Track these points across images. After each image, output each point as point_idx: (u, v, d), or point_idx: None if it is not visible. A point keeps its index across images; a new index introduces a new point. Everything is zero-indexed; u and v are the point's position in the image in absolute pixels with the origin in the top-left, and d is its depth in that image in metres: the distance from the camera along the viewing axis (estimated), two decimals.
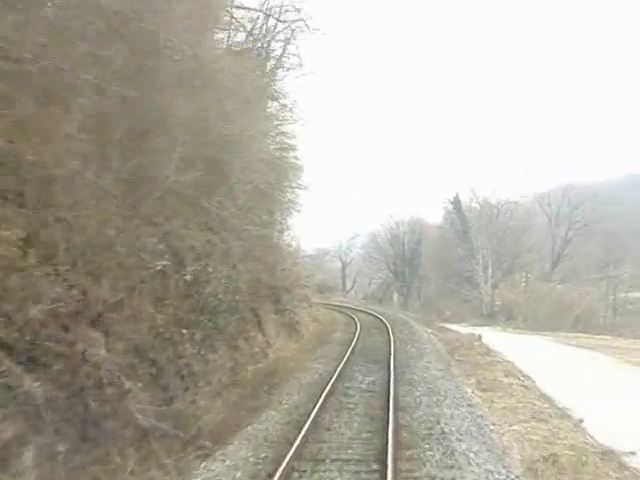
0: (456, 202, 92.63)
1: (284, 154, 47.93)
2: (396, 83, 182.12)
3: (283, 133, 43.40)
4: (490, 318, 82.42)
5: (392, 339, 34.56)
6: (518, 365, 29.99)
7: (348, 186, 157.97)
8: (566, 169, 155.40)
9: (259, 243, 27.77)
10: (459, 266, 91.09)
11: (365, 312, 58.76)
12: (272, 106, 40.29)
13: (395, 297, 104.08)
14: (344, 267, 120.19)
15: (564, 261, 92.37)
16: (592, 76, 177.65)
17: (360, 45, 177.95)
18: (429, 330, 44.19)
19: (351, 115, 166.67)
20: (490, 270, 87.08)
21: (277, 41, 40.60)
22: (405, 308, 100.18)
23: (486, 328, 76.18)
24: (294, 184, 63.35)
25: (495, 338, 47.10)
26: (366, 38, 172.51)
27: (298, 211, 51.89)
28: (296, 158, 45.07)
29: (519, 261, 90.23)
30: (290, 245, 55.54)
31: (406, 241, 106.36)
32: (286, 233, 64.29)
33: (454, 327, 75.70)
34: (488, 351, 35.20)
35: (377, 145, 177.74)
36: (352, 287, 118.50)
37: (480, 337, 44.45)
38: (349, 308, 64.66)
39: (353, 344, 32.82)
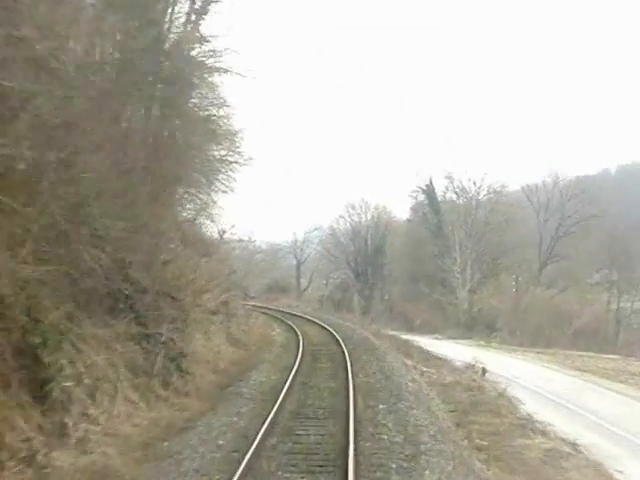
0: (429, 191, 76.83)
1: (212, 112, 38.74)
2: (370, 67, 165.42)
3: (211, 85, 34.94)
4: (468, 329, 67.06)
5: (352, 393, 18.37)
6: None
7: (306, 174, 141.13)
8: (556, 159, 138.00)
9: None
10: (431, 266, 75.43)
11: (316, 323, 42.44)
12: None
13: (356, 300, 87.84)
14: (299, 265, 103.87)
15: (554, 262, 76.88)
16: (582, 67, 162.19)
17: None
18: (408, 362, 27.84)
19: (311, 94, 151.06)
20: (469, 271, 71.34)
21: None
22: (367, 313, 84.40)
23: (465, 342, 60.90)
24: (224, 152, 47.98)
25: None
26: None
27: (231, 191, 42.05)
28: (227, 118, 37.60)
29: (502, 261, 74.37)
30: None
31: (369, 236, 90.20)
32: (206, 215, 49.15)
33: (428, 341, 60.31)
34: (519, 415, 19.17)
35: (340, 128, 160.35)
36: (307, 287, 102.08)
37: (484, 371, 28.91)
38: (297, 317, 48.27)
39: (277, 407, 16.52)
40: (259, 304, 61.39)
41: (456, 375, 26.39)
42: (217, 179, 49.93)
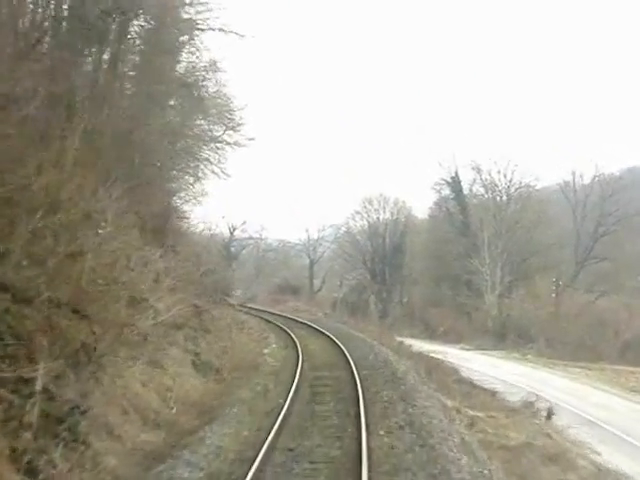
0: (455, 183, 68.50)
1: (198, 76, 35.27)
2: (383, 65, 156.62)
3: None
4: (498, 338, 58.61)
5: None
6: None
7: (320, 168, 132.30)
8: (595, 152, 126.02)
9: None
10: (455, 266, 67.10)
11: (324, 334, 34.26)
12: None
13: (372, 303, 79.58)
14: (312, 264, 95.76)
15: (591, 264, 68.25)
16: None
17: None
18: (447, 402, 19.38)
19: (325, 87, 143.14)
20: (499, 273, 62.92)
21: None
22: (384, 317, 76.20)
23: (497, 355, 52.64)
24: (220, 130, 40.50)
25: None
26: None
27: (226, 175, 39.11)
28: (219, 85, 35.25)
29: (534, 262, 65.80)
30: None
31: (387, 234, 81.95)
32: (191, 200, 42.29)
33: (455, 352, 52.15)
34: None
35: (356, 119, 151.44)
36: (320, 288, 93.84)
37: (549, 415, 20.82)
38: (302, 326, 40.16)
39: None
40: (262, 308, 53.58)
41: (517, 423, 18.21)
42: (209, 159, 42.48)
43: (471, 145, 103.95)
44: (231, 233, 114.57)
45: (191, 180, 40.47)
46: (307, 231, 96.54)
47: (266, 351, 25.96)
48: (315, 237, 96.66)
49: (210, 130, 40.41)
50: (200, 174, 40.98)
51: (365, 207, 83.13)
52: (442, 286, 70.79)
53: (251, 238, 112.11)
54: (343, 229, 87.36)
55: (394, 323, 74.61)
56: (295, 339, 30.65)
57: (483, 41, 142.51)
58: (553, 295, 57.50)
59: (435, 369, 26.48)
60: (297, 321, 42.07)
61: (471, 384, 26.91)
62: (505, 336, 58.47)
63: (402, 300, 79.98)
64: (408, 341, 57.66)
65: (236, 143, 42.90)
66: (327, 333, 33.68)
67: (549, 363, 48.56)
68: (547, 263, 65.23)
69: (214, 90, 40.08)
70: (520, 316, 59.38)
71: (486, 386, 27.85)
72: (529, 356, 51.94)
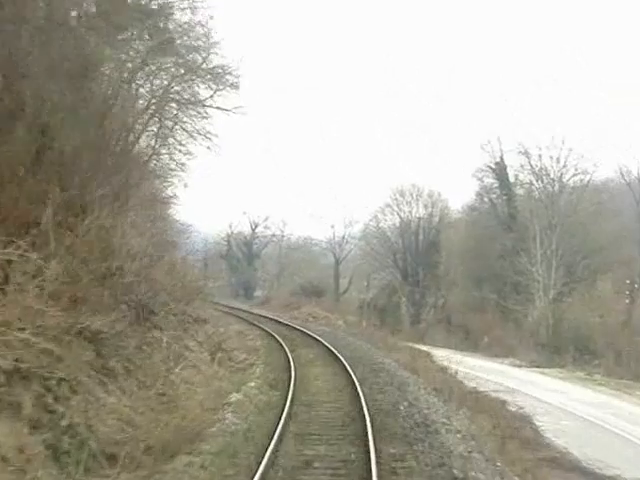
0: (500, 170, 57.83)
1: None
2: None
3: None
4: (553, 351, 47.92)
5: None
6: None
7: (346, 159, 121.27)
8: None
9: None
10: (500, 265, 56.51)
11: (338, 360, 23.70)
12: None
13: (403, 307, 69.26)
14: (337, 263, 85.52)
15: None
16: None
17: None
18: None
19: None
20: (553, 274, 52.23)
21: None
22: (417, 323, 65.98)
23: (556, 374, 42.26)
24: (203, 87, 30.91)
25: None
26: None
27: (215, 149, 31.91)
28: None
29: (593, 261, 54.96)
30: None
31: (421, 229, 71.62)
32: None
33: (505, 369, 42.05)
34: None
35: (383, 103, 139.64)
36: (347, 289, 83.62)
37: None
38: (313, 344, 29.83)
39: None
40: (270, 315, 43.78)
41: None
42: (187, 123, 33.37)
43: (516, 128, 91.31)
44: (253, 230, 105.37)
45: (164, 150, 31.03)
46: (333, 227, 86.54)
47: (235, 398, 15.97)
48: (341, 234, 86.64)
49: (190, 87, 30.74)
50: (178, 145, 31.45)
51: (396, 200, 72.96)
52: (484, 288, 60.30)
53: (274, 235, 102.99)
54: (372, 225, 77.03)
55: (428, 329, 64.51)
56: (293, 369, 20.66)
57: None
58: (627, 301, 46.58)
59: (506, 431, 16.21)
60: (308, 335, 32.03)
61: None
62: (561, 349, 47.87)
63: (437, 304, 69.55)
64: (447, 354, 47.68)
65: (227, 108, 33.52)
66: (341, 359, 23.34)
67: (623, 386, 37.98)
68: (609, 262, 54.34)
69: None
70: (580, 325, 48.61)
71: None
72: (597, 376, 41.39)
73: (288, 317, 43.78)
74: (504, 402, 23.20)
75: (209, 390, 16.02)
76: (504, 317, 54.98)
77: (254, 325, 35.77)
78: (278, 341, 28.65)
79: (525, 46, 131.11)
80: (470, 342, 54.92)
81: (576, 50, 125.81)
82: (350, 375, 19.93)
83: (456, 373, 26.56)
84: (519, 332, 52.38)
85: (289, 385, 18.02)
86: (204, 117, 34.44)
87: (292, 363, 22.10)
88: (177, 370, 15.52)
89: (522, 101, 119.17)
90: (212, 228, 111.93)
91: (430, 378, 22.01)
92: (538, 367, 44.33)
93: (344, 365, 21.98)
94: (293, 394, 16.65)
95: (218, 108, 33.99)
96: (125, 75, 25.51)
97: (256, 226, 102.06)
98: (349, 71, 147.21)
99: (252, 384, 18.02)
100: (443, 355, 44.57)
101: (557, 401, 29.14)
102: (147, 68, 31.41)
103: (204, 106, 33.47)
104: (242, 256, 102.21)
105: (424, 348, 51.13)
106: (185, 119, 35.73)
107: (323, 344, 28.02)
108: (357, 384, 18.03)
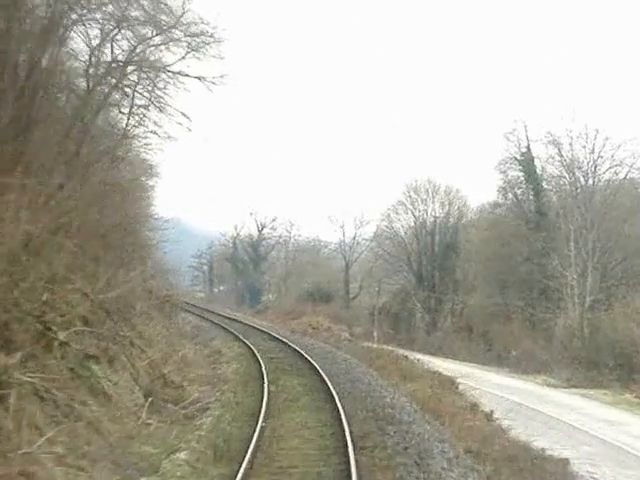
0: (527, 161, 50.93)
1: None
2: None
3: None
4: (591, 367, 41.07)
5: None
6: None
7: (355, 156, 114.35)
8: None
9: None
10: (527, 269, 49.73)
11: (335, 411, 16.78)
12: None
13: (418, 314, 62.47)
14: (348, 266, 78.70)
15: None
16: None
17: None
18: None
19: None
20: (589, 279, 45.33)
21: None
22: (433, 331, 59.25)
23: (599, 397, 35.45)
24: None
25: None
26: None
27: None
28: None
29: (630, 265, 48.00)
30: None
31: (437, 229, 64.92)
32: None
33: (539, 391, 35.59)
34: None
35: (396, 96, 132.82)
36: (357, 294, 76.76)
37: None
38: (299, 372, 22.85)
39: None
40: (263, 326, 37.21)
41: None
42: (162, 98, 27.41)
43: (544, 115, 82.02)
44: (259, 231, 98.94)
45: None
46: (342, 228, 79.67)
47: None
48: (352, 235, 79.86)
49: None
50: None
51: (410, 197, 66.23)
52: (507, 294, 53.43)
53: (280, 237, 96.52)
54: (384, 225, 70.16)
55: (445, 339, 57.73)
56: (263, 416, 14.00)
57: None
58: None
59: None
60: (300, 356, 24.98)
61: None
62: (600, 365, 40.92)
63: (455, 310, 62.70)
64: (470, 370, 41.07)
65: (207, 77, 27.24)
66: (336, 398, 16.41)
67: None
68: None
69: None
70: (621, 338, 41.62)
71: None
72: None
73: (285, 329, 37.32)
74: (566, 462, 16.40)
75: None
76: (532, 327, 48.16)
77: (239, 340, 29.25)
78: (259, 365, 22.01)
79: (559, 22, 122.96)
80: (494, 355, 48.19)
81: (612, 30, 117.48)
82: (344, 429, 13.23)
83: (492, 414, 19.86)
84: (550, 344, 45.48)
85: (248, 453, 11.38)
86: (182, 88, 28.10)
87: (265, 405, 15.47)
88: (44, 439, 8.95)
89: (550, 86, 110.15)
90: (217, 229, 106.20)
91: (460, 429, 15.31)
92: (576, 387, 37.50)
93: (338, 409, 15.25)
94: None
95: (197, 78, 27.61)
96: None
97: (263, 227, 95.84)
98: (359, 66, 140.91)
99: (184, 453, 11.37)
100: (467, 372, 37.94)
101: (627, 443, 22.32)
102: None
103: (175, 74, 27.00)
104: (248, 259, 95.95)
105: (443, 363, 44.42)
106: (160, 93, 29.40)
107: (316, 370, 21.26)
108: (352, 454, 11.33)
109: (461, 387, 24.59)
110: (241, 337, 29.90)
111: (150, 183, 52.22)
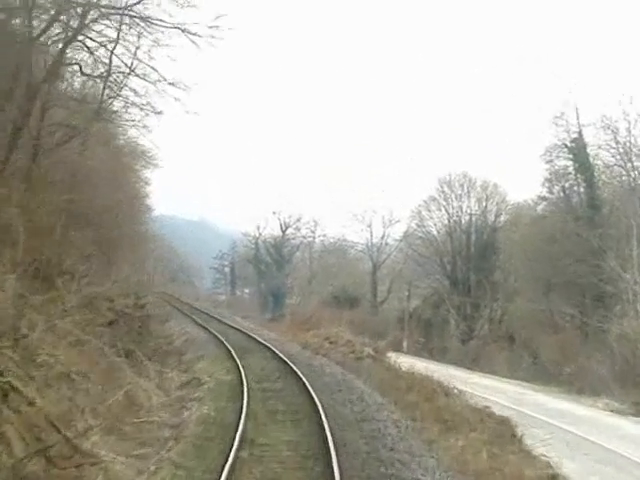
0: (577, 148, 44.22)
1: None
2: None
3: None
4: None
5: None
6: None
7: (387, 150, 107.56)
8: None
9: None
10: (577, 271, 42.96)
11: None
12: None
13: (452, 321, 55.85)
14: (375, 268, 72.23)
15: None
16: None
17: None
18: None
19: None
20: None
21: None
22: (468, 340, 52.77)
23: None
24: None
25: None
26: None
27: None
28: None
29: None
30: None
31: (473, 228, 58.34)
32: None
33: (605, 419, 28.93)
34: None
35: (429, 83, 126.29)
36: (385, 299, 70.29)
37: None
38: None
39: None
40: (271, 341, 30.97)
41: None
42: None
43: (596, 98, 73.96)
44: (283, 232, 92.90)
45: None
46: (369, 227, 73.13)
47: None
48: (380, 235, 73.27)
49: None
50: None
51: (443, 193, 59.63)
52: (554, 299, 46.71)
53: (304, 237, 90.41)
54: (415, 223, 63.53)
55: (482, 349, 51.16)
56: None
57: None
58: None
59: None
60: (304, 391, 18.30)
61: None
62: None
63: (493, 317, 56.03)
64: (516, 389, 34.71)
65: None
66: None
67: None
68: None
69: None
70: None
71: None
72: None
73: (296, 343, 30.92)
74: None
75: None
76: (584, 337, 41.46)
77: (231, 360, 22.67)
78: (241, 404, 15.65)
79: None
80: (540, 370, 41.52)
81: None
82: None
83: None
84: (608, 359, 38.60)
85: None
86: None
87: None
88: None
89: (604, 65, 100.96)
90: (239, 229, 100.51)
91: None
92: None
93: None
94: None
95: (177, 28, 21.54)
96: None
97: (287, 227, 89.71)
98: (385, 55, 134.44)
99: None
100: (515, 394, 31.59)
101: None
102: None
103: (144, 20, 20.92)
104: (271, 260, 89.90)
105: (482, 380, 37.96)
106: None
107: (318, 416, 14.73)
108: None
109: (520, 428, 18.13)
110: (236, 356, 23.62)
111: (145, 173, 46.45)
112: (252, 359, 23.90)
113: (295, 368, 21.06)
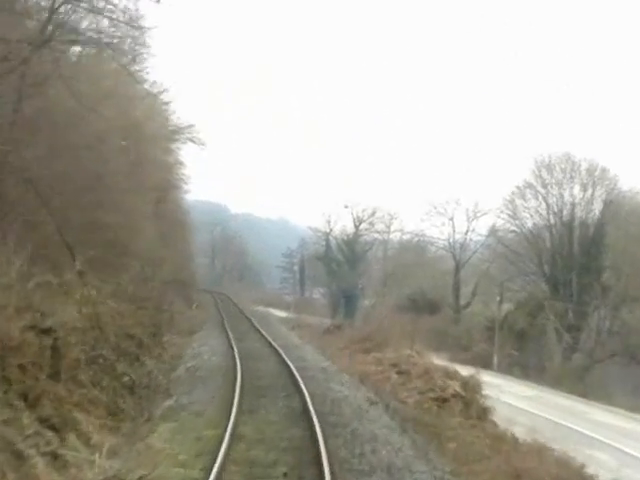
0: None
1: None
2: None
3: None
4: None
5: None
6: None
7: (472, 132, 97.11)
8: None
9: None
10: None
11: None
12: None
13: (552, 332, 45.55)
14: (458, 268, 62.43)
15: None
16: None
17: None
18: None
19: None
20: None
21: None
22: (571, 352, 42.82)
23: None
24: None
25: None
26: None
27: None
28: None
29: None
30: None
31: (577, 221, 48.04)
32: None
33: None
34: None
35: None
36: (469, 303, 60.41)
37: None
38: None
39: None
40: (309, 369, 21.64)
41: None
42: None
43: None
44: (356, 227, 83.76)
45: None
46: (452, 220, 63.22)
47: None
48: (464, 229, 63.19)
49: None
50: None
51: (540, 178, 49.33)
52: None
53: (378, 232, 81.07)
54: (505, 215, 53.31)
55: (592, 369, 41.06)
56: None
57: None
58: None
59: None
60: None
61: None
62: None
63: (603, 328, 45.51)
64: None
65: None
66: None
67: None
68: None
69: None
70: None
71: None
72: None
73: (350, 376, 21.53)
74: None
75: None
76: None
77: (244, 416, 14.34)
78: None
79: None
80: None
81: None
82: None
83: None
84: None
85: None
86: None
87: None
88: None
89: None
90: (309, 224, 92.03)
91: None
92: None
93: None
94: None
95: None
96: None
97: (360, 222, 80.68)
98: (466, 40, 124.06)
99: None
100: None
101: None
102: None
103: None
104: (343, 258, 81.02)
105: (616, 419, 27.97)
106: None
107: None
108: None
109: None
110: (234, 414, 14.24)
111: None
112: (264, 415, 14.62)
113: (331, 445, 12.09)
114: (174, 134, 47.77)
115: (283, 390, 17.60)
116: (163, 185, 41.76)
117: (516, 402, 26.20)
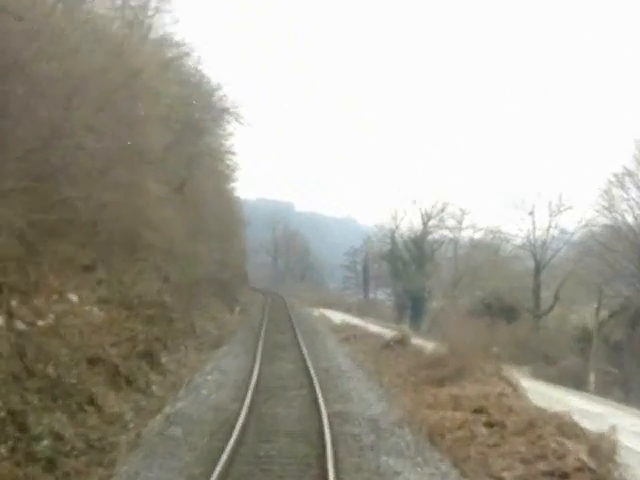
0: None
1: None
2: None
3: None
4: None
5: None
6: None
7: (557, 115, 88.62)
8: None
9: None
10: None
11: None
12: None
13: None
14: (539, 269, 54.87)
15: None
16: None
17: None
18: None
19: None
20: None
21: None
22: None
23: None
24: None
25: None
26: None
27: None
28: None
29: None
30: None
31: None
32: None
33: None
34: None
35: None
36: (551, 308, 52.82)
37: None
38: None
39: None
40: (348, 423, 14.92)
41: None
42: None
43: None
44: (424, 224, 76.75)
45: None
46: (532, 215, 55.57)
47: None
48: (545, 226, 55.54)
49: None
50: None
51: (637, 160, 41.53)
52: None
53: (448, 229, 73.84)
54: (597, 207, 45.56)
55: None
56: None
57: None
58: None
59: None
60: None
61: None
62: None
63: None
64: None
65: None
66: None
67: None
68: None
69: None
70: None
71: None
72: None
73: (413, 433, 14.55)
74: None
75: None
76: None
77: None
78: None
79: None
80: None
81: None
82: None
83: None
84: None
85: None
86: None
87: None
88: None
89: None
90: (374, 221, 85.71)
91: None
92: None
93: None
94: None
95: None
96: None
97: (429, 219, 73.78)
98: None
99: None
100: None
101: None
102: None
103: None
104: (410, 258, 74.22)
105: None
106: None
107: None
108: None
109: None
110: None
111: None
112: None
113: None
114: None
115: (302, 470, 10.89)
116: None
117: None
